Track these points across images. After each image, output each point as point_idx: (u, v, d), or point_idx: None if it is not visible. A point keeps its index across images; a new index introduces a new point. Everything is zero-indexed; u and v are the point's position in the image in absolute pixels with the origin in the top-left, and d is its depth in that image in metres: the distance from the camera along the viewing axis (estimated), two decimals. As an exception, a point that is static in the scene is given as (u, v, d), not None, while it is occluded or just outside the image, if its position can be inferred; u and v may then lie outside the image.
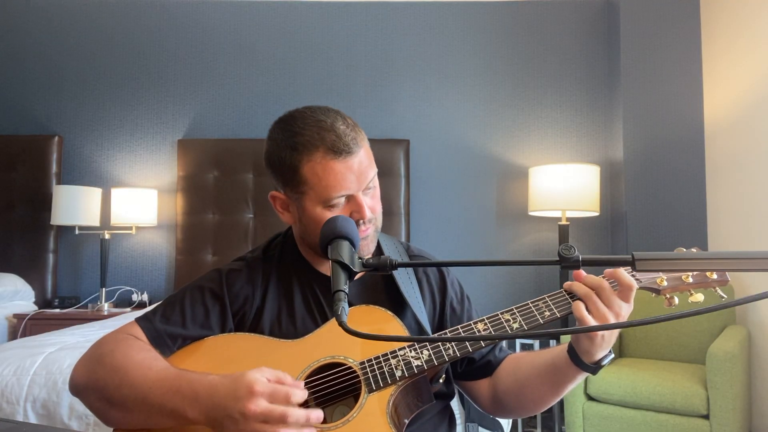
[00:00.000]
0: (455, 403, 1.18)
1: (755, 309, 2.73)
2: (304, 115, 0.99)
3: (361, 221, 0.99)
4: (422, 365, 0.92)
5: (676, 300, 0.91)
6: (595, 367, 0.93)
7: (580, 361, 0.93)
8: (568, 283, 0.94)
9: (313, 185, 0.97)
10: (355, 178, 0.96)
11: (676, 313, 0.55)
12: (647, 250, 0.69)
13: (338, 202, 0.97)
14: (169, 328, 0.98)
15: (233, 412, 0.79)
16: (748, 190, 2.77)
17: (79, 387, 0.93)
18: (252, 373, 0.81)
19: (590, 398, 2.52)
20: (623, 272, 0.90)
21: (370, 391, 0.90)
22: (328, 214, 0.97)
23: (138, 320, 1.00)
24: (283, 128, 1.00)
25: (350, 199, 0.98)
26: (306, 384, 0.92)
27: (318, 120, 0.97)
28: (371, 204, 1.01)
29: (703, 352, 2.45)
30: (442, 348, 0.93)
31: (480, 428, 1.20)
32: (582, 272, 0.92)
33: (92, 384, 0.91)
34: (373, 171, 1.01)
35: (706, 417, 2.28)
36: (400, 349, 0.93)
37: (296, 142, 0.97)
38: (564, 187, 2.97)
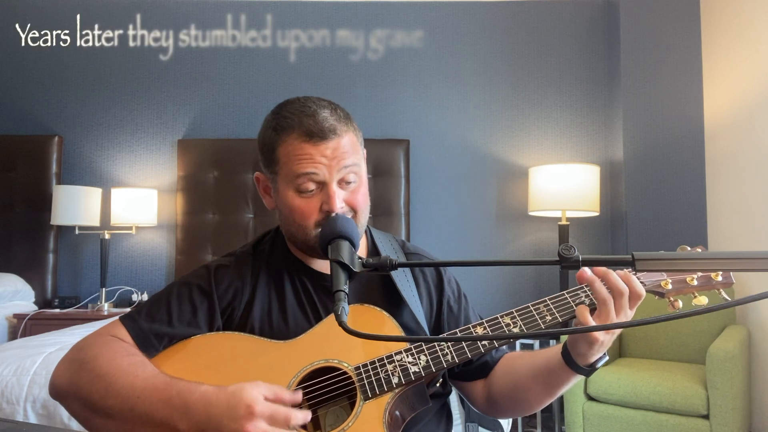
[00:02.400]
0: (455, 404, 1.18)
1: (755, 309, 2.72)
2: (295, 101, 1.02)
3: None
4: (419, 372, 0.89)
5: (680, 303, 0.89)
6: (589, 370, 0.92)
7: (574, 363, 0.91)
8: (590, 276, 0.88)
9: (284, 165, 0.97)
10: (326, 162, 0.95)
11: (677, 313, 0.55)
12: (647, 250, 0.69)
13: (308, 186, 0.96)
14: (154, 327, 0.94)
15: (230, 431, 0.78)
16: (748, 190, 2.77)
17: (61, 393, 0.89)
18: (250, 391, 0.79)
19: (590, 398, 2.52)
20: (634, 279, 0.88)
21: (366, 398, 0.87)
22: (298, 200, 0.97)
23: (122, 319, 0.96)
24: (274, 111, 1.03)
25: (323, 188, 0.96)
26: (299, 389, 0.90)
27: (304, 106, 1.00)
28: (349, 198, 0.98)
29: (703, 352, 2.44)
30: (440, 354, 0.90)
31: (480, 428, 1.19)
32: (610, 272, 0.88)
33: (74, 391, 0.87)
34: (352, 160, 0.97)
35: (706, 417, 2.28)
36: (396, 354, 0.91)
37: (278, 124, 0.99)
38: (564, 187, 2.97)
